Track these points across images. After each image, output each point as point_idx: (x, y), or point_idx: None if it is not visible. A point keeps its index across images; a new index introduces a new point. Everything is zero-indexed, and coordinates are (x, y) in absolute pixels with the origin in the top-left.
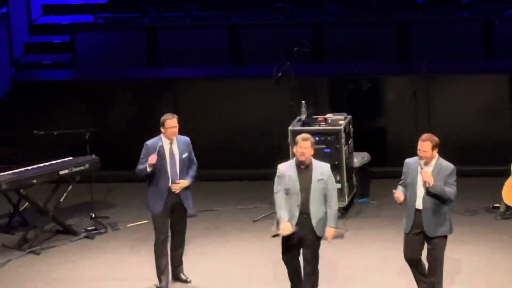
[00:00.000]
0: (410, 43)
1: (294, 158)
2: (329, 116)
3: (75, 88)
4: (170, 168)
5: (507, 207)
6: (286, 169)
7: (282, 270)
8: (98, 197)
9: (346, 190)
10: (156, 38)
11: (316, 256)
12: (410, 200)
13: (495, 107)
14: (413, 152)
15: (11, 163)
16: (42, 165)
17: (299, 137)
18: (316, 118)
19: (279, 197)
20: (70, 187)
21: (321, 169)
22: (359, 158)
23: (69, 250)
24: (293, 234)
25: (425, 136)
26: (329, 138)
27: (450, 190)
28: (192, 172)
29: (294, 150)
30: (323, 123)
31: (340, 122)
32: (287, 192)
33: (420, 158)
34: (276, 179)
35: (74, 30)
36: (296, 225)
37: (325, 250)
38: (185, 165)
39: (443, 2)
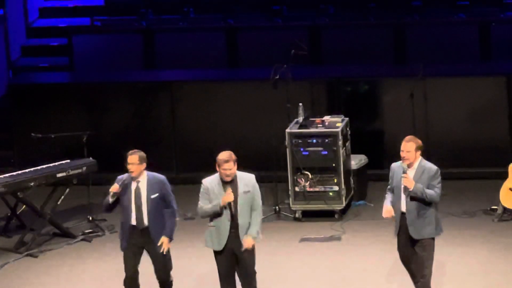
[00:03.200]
0: (407, 45)
1: (218, 173)
2: (327, 118)
3: (72, 90)
4: (134, 207)
5: (505, 209)
6: (210, 184)
7: (280, 272)
8: (95, 199)
9: (343, 193)
10: (153, 41)
11: (253, 267)
12: (395, 203)
13: (492, 109)
14: None
15: (8, 166)
16: (39, 168)
17: (220, 159)
18: (314, 121)
19: (204, 205)
20: (67, 190)
21: (246, 181)
22: (357, 161)
23: (67, 253)
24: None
25: (408, 137)
26: (326, 140)
27: (432, 192)
28: (171, 223)
29: (218, 169)
30: (321, 125)
31: (338, 124)
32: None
33: (403, 159)
34: (200, 195)
35: (71, 32)
36: (228, 238)
37: (322, 252)
38: (157, 206)
39: (440, 4)
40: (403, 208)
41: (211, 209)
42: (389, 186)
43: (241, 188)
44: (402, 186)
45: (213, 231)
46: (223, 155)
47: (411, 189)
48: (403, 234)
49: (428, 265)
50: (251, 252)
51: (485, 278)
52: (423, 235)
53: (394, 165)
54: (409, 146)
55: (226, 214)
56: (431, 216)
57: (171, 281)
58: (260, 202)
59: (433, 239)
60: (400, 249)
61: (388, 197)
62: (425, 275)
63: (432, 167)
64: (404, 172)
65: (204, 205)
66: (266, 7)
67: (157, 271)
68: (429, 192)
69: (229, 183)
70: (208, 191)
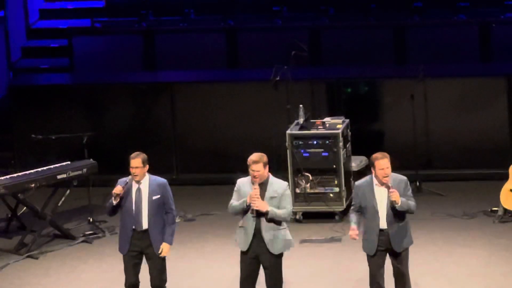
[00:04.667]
0: (408, 46)
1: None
2: (327, 119)
3: (72, 92)
4: (135, 209)
5: (505, 210)
6: (243, 184)
7: None
8: (96, 201)
9: (343, 194)
10: (153, 42)
11: (279, 277)
12: (370, 222)
13: (493, 110)
14: (410, 155)
15: (9, 168)
16: (39, 169)
17: (249, 160)
18: (314, 122)
19: (233, 202)
20: (68, 191)
21: (276, 187)
22: (357, 162)
23: (67, 254)
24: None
25: (379, 154)
26: (327, 141)
27: (413, 203)
28: (171, 229)
29: (249, 170)
30: (321, 126)
31: (338, 125)
32: None
33: (385, 177)
34: (233, 192)
35: (72, 34)
36: (251, 243)
37: (323, 253)
38: (157, 209)
39: (440, 5)
40: (383, 224)
41: (239, 206)
42: (353, 207)
43: (269, 193)
44: (385, 201)
45: (242, 231)
46: (253, 156)
47: (399, 204)
48: (380, 250)
49: (407, 274)
50: (277, 262)
51: (485, 279)
52: (404, 246)
53: (361, 183)
54: (387, 162)
55: (252, 217)
56: (407, 226)
57: None
58: (289, 205)
59: (408, 249)
60: (376, 265)
61: (353, 218)
62: (407, 284)
63: (402, 178)
64: (389, 187)
65: (234, 201)
66: (266, 8)
67: (153, 278)
68: (411, 203)
69: (260, 186)
70: (239, 189)
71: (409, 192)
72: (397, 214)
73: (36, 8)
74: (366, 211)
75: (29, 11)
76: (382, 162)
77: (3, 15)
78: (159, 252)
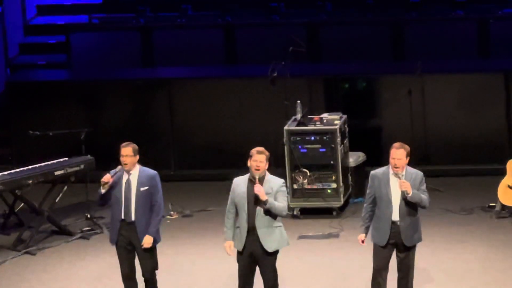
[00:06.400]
0: (405, 42)
1: (249, 173)
2: (325, 115)
3: (70, 88)
4: (124, 199)
5: (503, 206)
6: (238, 184)
7: (278, 270)
8: (93, 197)
9: (341, 190)
10: (151, 38)
11: (274, 275)
12: (383, 213)
13: (490, 106)
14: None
15: (6, 164)
16: (37, 165)
17: (254, 151)
18: (312, 118)
19: (227, 219)
20: (65, 188)
21: (272, 184)
22: (355, 158)
23: (65, 250)
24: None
25: (398, 144)
26: (325, 137)
27: (426, 197)
28: (154, 220)
29: (249, 163)
30: (319, 122)
31: (336, 121)
32: (236, 206)
33: (396, 167)
34: (230, 194)
35: (69, 30)
36: (246, 239)
37: (321, 249)
38: (145, 200)
39: (438, 1)
40: (395, 216)
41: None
42: (368, 197)
43: (264, 189)
44: (398, 192)
45: (238, 231)
46: (258, 147)
47: (410, 194)
48: (390, 243)
49: (412, 269)
50: (271, 259)
51: (483, 275)
52: (414, 241)
53: (377, 173)
54: (400, 154)
55: (245, 215)
56: (418, 221)
57: (156, 280)
58: (285, 201)
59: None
60: (383, 260)
61: (364, 225)
62: (410, 279)
63: (418, 172)
64: (400, 178)
65: (227, 216)
66: (264, 4)
67: (143, 269)
68: (424, 197)
69: (255, 182)
70: (233, 190)
71: (423, 187)
72: (409, 207)
73: (33, 4)
74: (380, 201)
75: (26, 7)
76: (397, 151)
77: (0, 11)
78: (141, 244)
